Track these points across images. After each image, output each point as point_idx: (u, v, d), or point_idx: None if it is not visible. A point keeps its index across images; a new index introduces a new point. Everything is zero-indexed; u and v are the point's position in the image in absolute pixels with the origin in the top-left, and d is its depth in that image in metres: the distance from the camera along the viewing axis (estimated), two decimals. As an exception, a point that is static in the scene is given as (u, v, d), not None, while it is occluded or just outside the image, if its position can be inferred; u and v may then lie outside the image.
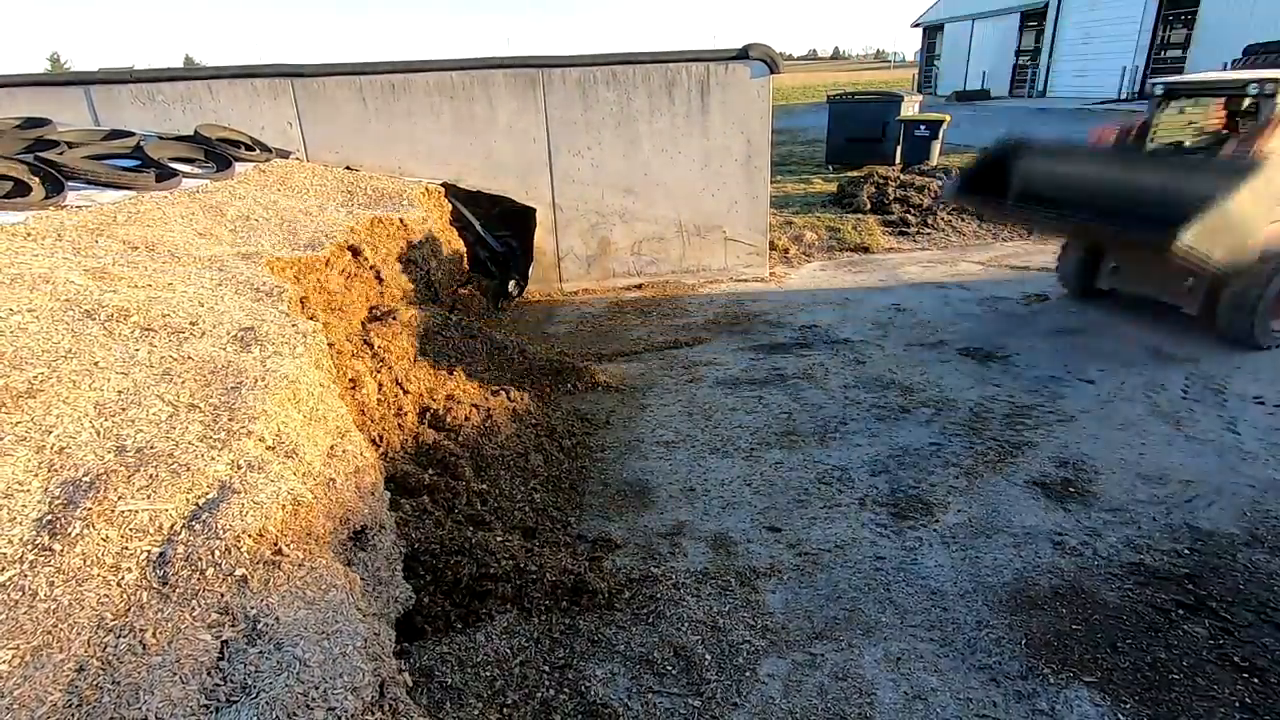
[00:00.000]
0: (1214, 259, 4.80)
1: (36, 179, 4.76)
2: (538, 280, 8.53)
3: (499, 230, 8.41)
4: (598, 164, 8.46)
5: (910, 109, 15.29)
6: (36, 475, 2.16)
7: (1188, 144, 6.57)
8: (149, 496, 2.15)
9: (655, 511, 4.18)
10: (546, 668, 2.98)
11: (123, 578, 1.90)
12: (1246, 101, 5.99)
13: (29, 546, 1.94)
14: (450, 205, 7.94)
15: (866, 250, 10.02)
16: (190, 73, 8.31)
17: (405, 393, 4.61)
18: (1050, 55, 27.68)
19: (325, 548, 2.35)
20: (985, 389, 5.59)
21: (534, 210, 8.35)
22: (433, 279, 6.74)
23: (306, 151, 8.19)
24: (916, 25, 38.98)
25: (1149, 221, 5.07)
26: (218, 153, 6.66)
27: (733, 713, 2.81)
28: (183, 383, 2.76)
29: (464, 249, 8.01)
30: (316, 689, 1.70)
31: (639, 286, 8.82)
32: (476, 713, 2.72)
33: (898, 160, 14.91)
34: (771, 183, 9.20)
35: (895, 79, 38.94)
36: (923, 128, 14.43)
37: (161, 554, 1.99)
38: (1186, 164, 5.61)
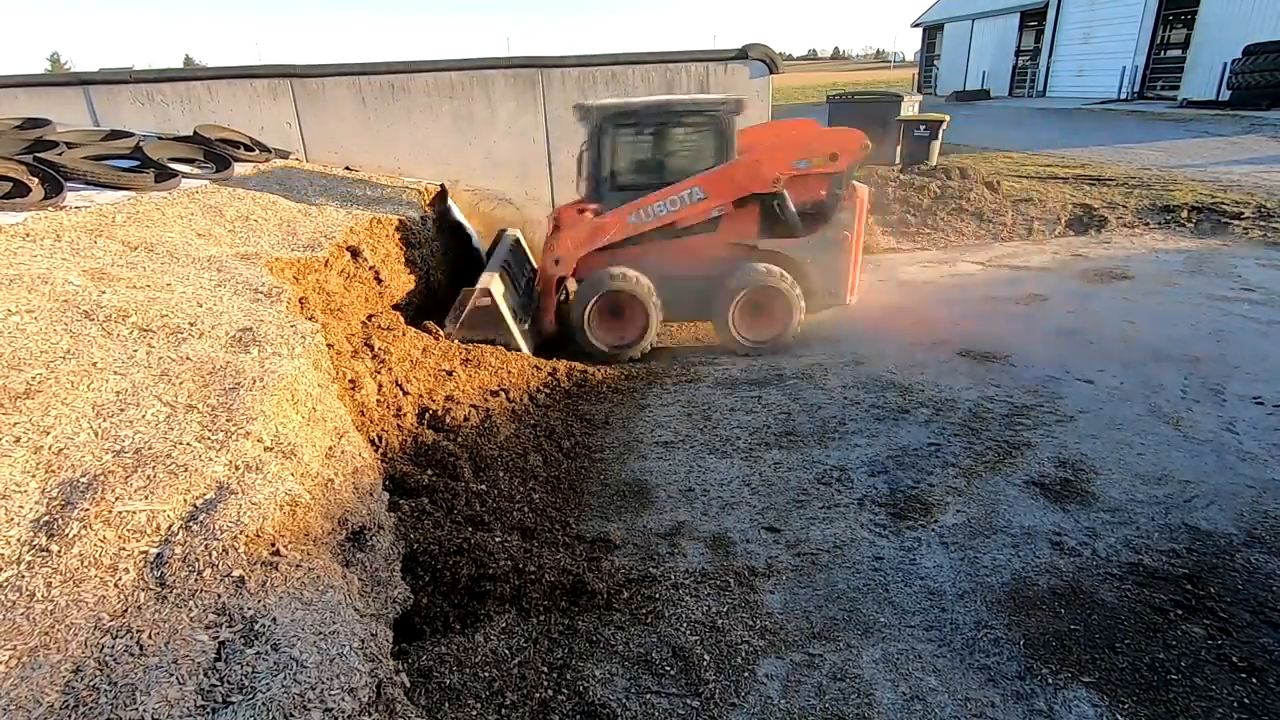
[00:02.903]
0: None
1: (36, 179, 4.76)
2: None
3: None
4: (597, 164, 8.44)
5: (910, 109, 15.27)
6: (34, 476, 2.16)
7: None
8: (147, 497, 2.15)
9: (654, 512, 4.18)
10: (545, 668, 2.98)
11: (120, 578, 1.90)
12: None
13: (26, 547, 1.94)
14: (445, 207, 7.94)
15: (866, 250, 10.01)
16: (190, 73, 8.32)
17: (405, 394, 4.61)
18: (1050, 55, 27.66)
19: (323, 548, 2.35)
20: (984, 389, 5.58)
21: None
22: (432, 279, 6.74)
23: (306, 151, 8.20)
24: (916, 25, 38.97)
25: None
26: (217, 153, 6.67)
27: (731, 713, 2.80)
28: (181, 383, 2.76)
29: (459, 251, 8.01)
30: (313, 690, 1.70)
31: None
32: (475, 713, 2.72)
33: (897, 160, 14.91)
34: (771, 183, 9.18)
35: (895, 79, 38.90)
36: (922, 128, 14.41)
37: (159, 555, 1.99)
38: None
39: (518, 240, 8.07)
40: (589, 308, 6.34)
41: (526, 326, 6.47)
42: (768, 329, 6.54)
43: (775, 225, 6.49)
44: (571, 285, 6.64)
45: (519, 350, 6.03)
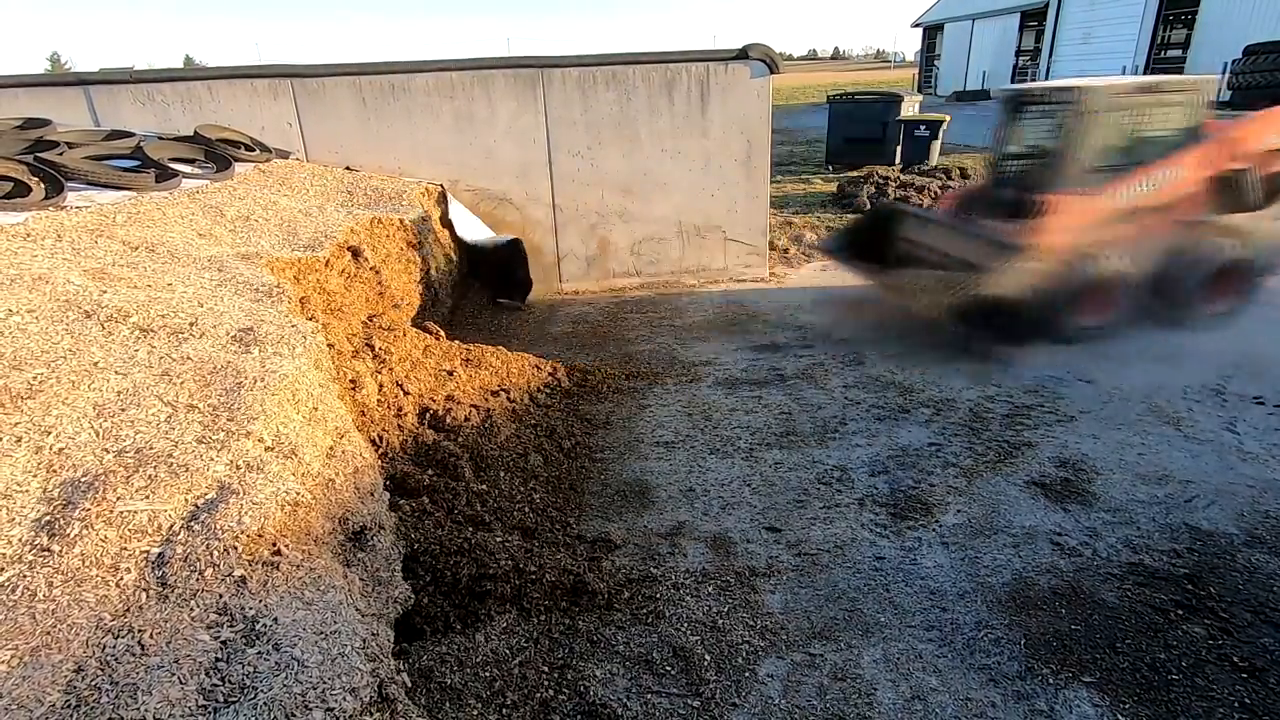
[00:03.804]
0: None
1: (36, 179, 4.76)
2: (537, 280, 8.53)
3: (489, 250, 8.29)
4: (597, 164, 8.45)
5: (910, 109, 15.29)
6: (35, 476, 2.16)
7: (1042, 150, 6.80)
8: (148, 497, 2.15)
9: (655, 512, 4.18)
10: (546, 668, 2.98)
11: (121, 578, 1.90)
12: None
13: (28, 547, 1.94)
14: (445, 207, 7.94)
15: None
16: (190, 73, 8.31)
17: (406, 394, 4.61)
18: (1050, 55, 27.67)
19: (324, 548, 2.35)
20: (985, 389, 5.59)
21: (519, 241, 8.24)
22: (432, 280, 6.75)
23: (306, 151, 8.20)
24: (916, 25, 38.99)
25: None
26: (217, 153, 6.67)
27: (732, 713, 2.81)
28: (182, 383, 2.76)
29: (461, 251, 8.01)
30: (315, 689, 1.70)
31: (639, 287, 8.82)
32: (475, 713, 2.72)
33: (898, 160, 14.91)
34: (771, 183, 9.20)
35: (895, 79, 38.92)
36: (922, 128, 14.43)
37: (160, 554, 1.99)
38: (982, 233, 6.47)
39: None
40: (1070, 291, 6.11)
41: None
42: (1227, 300, 6.60)
43: (1230, 200, 6.46)
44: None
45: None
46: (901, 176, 13.11)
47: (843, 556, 3.72)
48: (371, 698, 1.82)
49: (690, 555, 3.77)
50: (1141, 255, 6.35)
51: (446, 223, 7.81)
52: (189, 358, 2.95)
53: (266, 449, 2.56)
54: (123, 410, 2.53)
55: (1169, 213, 6.41)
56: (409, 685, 2.17)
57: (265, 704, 1.63)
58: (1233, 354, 5.94)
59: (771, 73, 8.35)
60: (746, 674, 2.99)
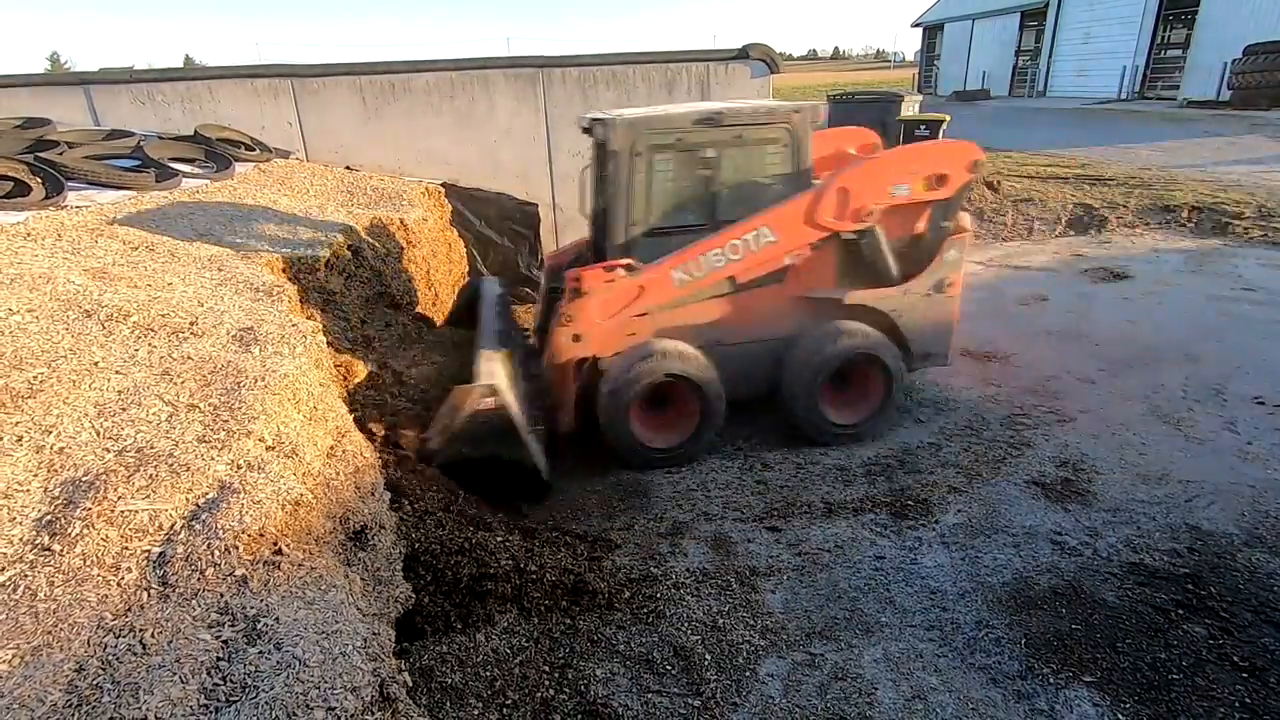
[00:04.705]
0: None
1: (37, 179, 4.76)
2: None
3: (501, 232, 8.34)
4: (598, 164, 8.45)
5: (910, 109, 15.27)
6: (36, 475, 2.16)
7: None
8: (149, 496, 2.15)
9: (655, 511, 4.18)
10: (546, 667, 2.98)
11: (123, 578, 1.90)
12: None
13: (29, 546, 1.94)
14: (450, 205, 7.94)
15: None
16: (190, 73, 8.32)
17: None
18: (1050, 55, 27.65)
19: (325, 548, 2.35)
20: (985, 389, 5.59)
21: (535, 206, 8.27)
22: (433, 278, 6.75)
23: (306, 151, 8.20)
24: (916, 25, 38.96)
25: None
26: (218, 153, 6.67)
27: (732, 712, 2.81)
28: (182, 383, 2.76)
29: (464, 249, 8.02)
30: (316, 689, 1.70)
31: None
32: (476, 712, 2.72)
33: (897, 160, 14.88)
34: (771, 182, 9.18)
35: (895, 79, 38.94)
36: (923, 127, 14.40)
37: (161, 554, 1.99)
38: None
39: (503, 295, 6.27)
40: (628, 397, 4.59)
41: (538, 428, 4.56)
42: (861, 407, 5.02)
43: (862, 271, 5.00)
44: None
45: (535, 469, 4.16)
46: (901, 176, 13.06)
47: (843, 556, 3.72)
48: (372, 697, 1.82)
49: (691, 555, 3.77)
50: (719, 347, 4.86)
51: (448, 222, 7.81)
52: (189, 357, 2.95)
53: (267, 448, 2.56)
54: (123, 410, 2.53)
55: (769, 287, 4.91)
56: (410, 684, 2.17)
57: (266, 703, 1.63)
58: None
59: (771, 72, 8.36)
60: (747, 673, 2.99)
